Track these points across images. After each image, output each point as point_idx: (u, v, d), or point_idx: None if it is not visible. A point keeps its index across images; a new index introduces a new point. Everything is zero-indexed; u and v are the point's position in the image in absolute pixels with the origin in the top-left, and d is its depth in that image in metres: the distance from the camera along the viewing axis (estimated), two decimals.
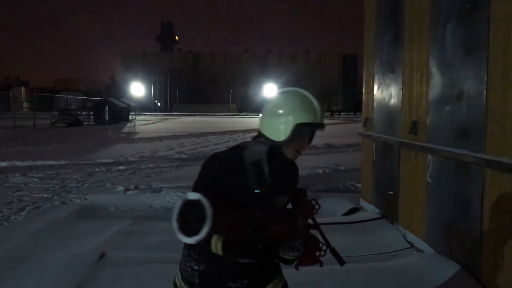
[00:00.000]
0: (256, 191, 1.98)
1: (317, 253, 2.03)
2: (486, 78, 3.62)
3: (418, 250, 4.79)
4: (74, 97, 56.73)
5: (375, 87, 6.45)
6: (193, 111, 67.88)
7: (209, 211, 1.71)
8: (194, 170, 9.76)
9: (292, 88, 2.06)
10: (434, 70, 4.56)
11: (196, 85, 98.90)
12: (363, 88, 7.12)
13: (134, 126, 33.21)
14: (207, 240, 1.74)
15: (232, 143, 18.01)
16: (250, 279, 2.05)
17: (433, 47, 4.58)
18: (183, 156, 14.01)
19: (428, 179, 4.61)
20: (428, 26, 4.69)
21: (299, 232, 1.96)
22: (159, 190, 8.31)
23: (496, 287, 3.48)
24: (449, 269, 3.95)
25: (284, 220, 1.99)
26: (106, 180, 9.85)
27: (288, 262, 1.96)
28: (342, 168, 11.79)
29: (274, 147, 1.99)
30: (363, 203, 6.80)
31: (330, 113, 62.01)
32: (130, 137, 22.55)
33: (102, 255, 4.61)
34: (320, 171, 11.33)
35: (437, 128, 4.48)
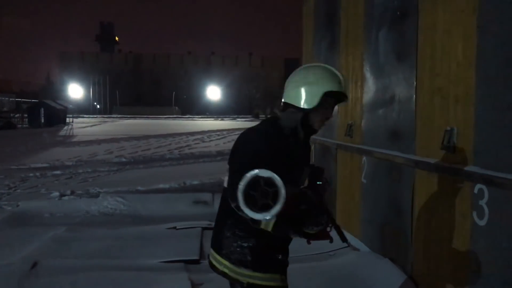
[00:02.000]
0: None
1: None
2: (415, 83, 3.81)
3: (355, 249, 4.94)
4: (7, 98, 53.88)
5: None
6: (134, 114, 66.41)
7: (283, 190, 1.78)
8: (134, 174, 9.52)
9: (316, 63, 2.21)
10: (368, 75, 4.73)
11: (137, 87, 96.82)
12: None
13: (71, 129, 32.04)
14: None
15: (174, 146, 17.89)
16: (286, 252, 2.25)
17: (367, 53, 4.76)
18: (123, 159, 13.68)
19: (363, 180, 4.78)
20: (362, 33, 4.87)
21: (323, 208, 2.04)
22: (97, 195, 8.06)
23: (426, 283, 3.66)
24: (383, 266, 4.10)
25: (311, 196, 2.08)
26: (40, 186, 9.44)
27: (306, 236, 2.05)
28: None
29: (304, 116, 2.13)
30: None
31: None
32: (67, 141, 21.75)
33: (34, 264, 4.41)
34: None
35: (371, 131, 4.66)
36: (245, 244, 2.12)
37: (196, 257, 4.91)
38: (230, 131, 28.14)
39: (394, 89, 4.17)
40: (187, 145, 18.64)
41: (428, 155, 3.57)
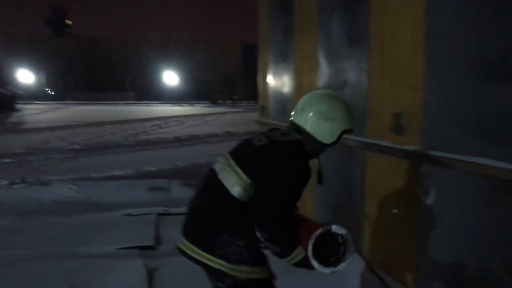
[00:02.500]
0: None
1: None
2: (366, 67, 3.88)
3: None
4: None
5: (270, 76, 6.62)
6: (89, 100, 64.48)
7: (352, 248, 2.08)
8: (88, 161, 9.31)
9: (337, 94, 2.34)
10: (322, 59, 4.78)
11: (91, 73, 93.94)
12: (259, 77, 7.28)
13: (22, 116, 30.82)
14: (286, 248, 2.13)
15: (130, 132, 17.55)
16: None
17: (321, 37, 4.80)
18: (77, 147, 13.32)
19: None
20: (316, 17, 4.90)
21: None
22: (49, 183, 7.82)
23: (375, 261, 3.78)
24: None
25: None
26: None
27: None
28: None
29: (321, 147, 2.29)
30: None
31: (231, 101, 62.46)
32: (17, 128, 20.94)
33: None
34: (220, 158, 11.41)
35: None
36: (241, 243, 2.18)
37: (151, 243, 4.87)
38: (188, 117, 27.86)
39: (347, 74, 4.23)
40: (144, 131, 18.34)
41: (378, 137, 3.66)
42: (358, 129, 3.96)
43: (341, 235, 2.09)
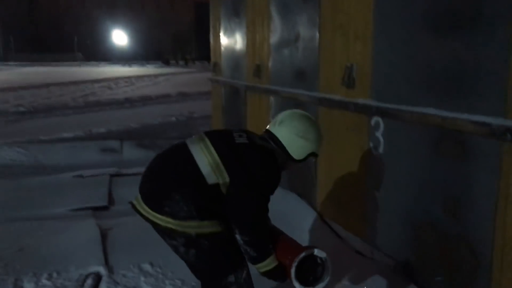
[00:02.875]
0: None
1: None
2: (318, 21, 3.86)
3: None
4: None
5: (222, 32, 6.49)
6: (32, 61, 61.40)
7: (330, 270, 2.24)
8: (34, 124, 8.89)
9: (308, 115, 2.49)
10: (274, 14, 4.72)
11: (34, 32, 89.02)
12: (211, 33, 7.12)
13: None
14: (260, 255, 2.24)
15: (78, 94, 16.92)
16: None
17: None
18: (22, 109, 12.72)
19: (271, 120, 4.86)
20: None
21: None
22: None
23: (327, 213, 3.89)
24: (291, 199, 4.29)
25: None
26: None
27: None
28: (195, 115, 11.86)
29: (287, 160, 2.37)
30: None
31: (184, 61, 61.21)
32: None
33: None
34: (173, 119, 11.27)
35: (278, 71, 4.71)
36: (191, 205, 2.19)
37: (104, 204, 4.80)
38: (138, 77, 27.10)
39: (299, 28, 4.20)
40: (92, 93, 17.71)
41: (330, 91, 3.70)
42: (310, 84, 4.00)
43: (320, 257, 2.23)
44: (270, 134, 2.38)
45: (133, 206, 2.34)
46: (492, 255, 2.30)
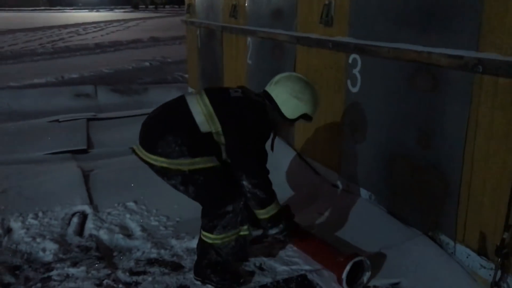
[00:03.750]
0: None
1: None
2: None
3: None
4: None
5: None
6: None
7: (369, 272, 2.46)
8: (2, 70, 8.63)
9: (305, 78, 2.54)
10: None
11: None
12: None
13: None
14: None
15: (46, 40, 16.33)
16: None
17: None
18: None
19: (249, 61, 4.87)
20: None
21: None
22: None
23: (305, 151, 4.01)
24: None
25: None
26: None
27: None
28: (169, 60, 11.69)
29: (280, 119, 2.47)
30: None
31: (154, 6, 59.19)
32: None
33: None
34: (147, 64, 11.10)
35: (255, 11, 4.66)
36: (183, 145, 2.33)
37: (84, 147, 4.81)
38: (107, 22, 26.19)
39: None
40: (61, 39, 17.10)
41: (308, 30, 3.71)
42: (288, 23, 4.00)
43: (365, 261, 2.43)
44: (265, 93, 2.51)
45: (133, 151, 2.50)
46: (461, 183, 2.46)
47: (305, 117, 2.49)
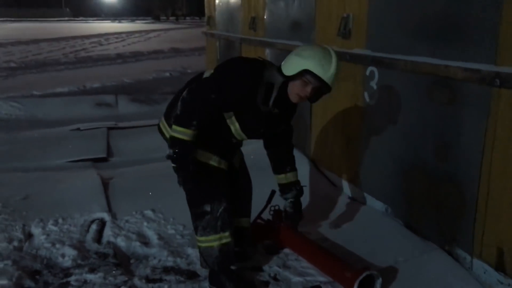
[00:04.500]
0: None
1: None
2: None
3: None
4: None
5: None
6: (20, 17, 59.81)
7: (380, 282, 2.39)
8: (27, 79, 8.86)
9: (327, 47, 2.29)
10: None
11: None
12: None
13: None
14: None
15: (69, 50, 16.69)
16: (231, 145, 2.61)
17: None
18: (12, 65, 12.58)
19: None
20: None
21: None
22: None
23: (320, 161, 4.02)
24: None
25: None
26: None
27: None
28: (189, 71, 11.81)
29: (283, 82, 2.25)
30: None
31: (175, 17, 59.97)
32: None
33: None
34: (167, 74, 11.24)
35: (273, 23, 4.72)
36: None
37: (104, 155, 4.90)
38: (129, 33, 26.65)
39: None
40: (83, 49, 17.47)
41: (326, 43, 3.73)
42: (306, 35, 4.04)
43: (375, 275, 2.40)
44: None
45: (158, 127, 2.58)
46: (478, 196, 2.44)
47: (312, 76, 2.19)
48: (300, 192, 2.80)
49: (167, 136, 2.43)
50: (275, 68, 2.31)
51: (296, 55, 2.26)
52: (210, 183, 2.42)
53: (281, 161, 2.75)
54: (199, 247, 2.51)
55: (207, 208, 2.41)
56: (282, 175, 2.75)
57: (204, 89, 2.27)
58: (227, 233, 2.44)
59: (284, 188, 2.77)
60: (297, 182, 2.78)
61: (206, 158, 2.41)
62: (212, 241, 2.43)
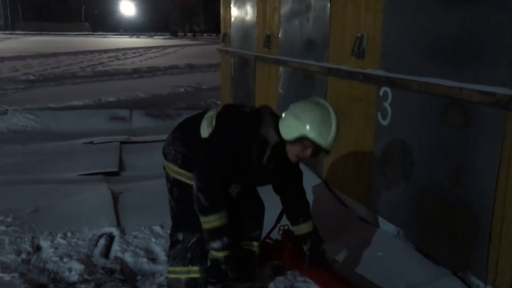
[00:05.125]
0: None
1: None
2: None
3: None
4: None
5: (232, 2, 6.48)
6: (40, 30, 61.13)
7: None
8: (44, 92, 9.01)
9: (326, 104, 2.23)
10: None
11: (42, 1, 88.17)
12: (221, 3, 7.10)
13: None
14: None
15: (87, 64, 16.95)
16: None
17: None
18: (31, 77, 12.81)
19: (280, 90, 4.92)
20: None
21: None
22: (5, 112, 7.59)
23: (332, 181, 3.97)
24: None
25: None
26: None
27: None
28: (204, 87, 11.90)
29: (280, 142, 2.22)
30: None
31: (192, 34, 60.71)
32: None
33: None
34: (182, 90, 11.32)
35: (288, 41, 4.73)
36: (179, 154, 2.37)
37: (115, 169, 4.91)
38: (146, 48, 27.03)
39: None
40: (101, 63, 17.74)
41: (339, 62, 3.73)
42: (320, 54, 4.03)
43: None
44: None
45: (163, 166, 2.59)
46: (492, 222, 2.37)
47: (308, 143, 2.16)
48: (316, 242, 2.61)
49: (171, 175, 2.44)
50: (272, 125, 2.25)
51: (295, 118, 2.18)
52: (186, 208, 2.33)
53: (293, 211, 2.62)
54: (167, 278, 2.45)
55: (180, 236, 2.38)
56: (296, 227, 2.62)
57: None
58: (196, 268, 2.35)
59: (301, 240, 2.64)
60: (311, 233, 2.60)
61: (188, 179, 2.36)
62: (179, 273, 2.36)
